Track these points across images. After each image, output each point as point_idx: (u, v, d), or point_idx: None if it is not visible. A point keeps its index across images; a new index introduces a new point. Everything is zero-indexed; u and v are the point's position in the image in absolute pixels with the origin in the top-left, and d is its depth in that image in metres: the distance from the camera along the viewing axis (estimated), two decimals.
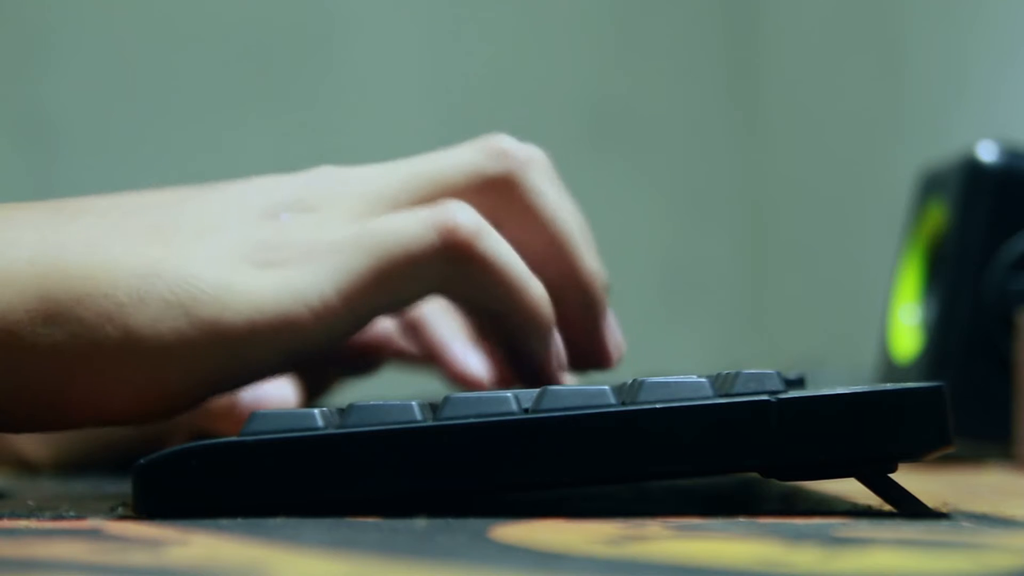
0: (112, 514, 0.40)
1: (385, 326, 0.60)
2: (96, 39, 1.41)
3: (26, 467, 0.64)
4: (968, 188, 0.66)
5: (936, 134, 1.31)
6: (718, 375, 0.39)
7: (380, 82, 1.47)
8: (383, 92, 1.48)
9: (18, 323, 0.41)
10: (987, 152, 0.66)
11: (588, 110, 1.55)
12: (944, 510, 0.40)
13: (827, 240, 1.49)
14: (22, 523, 0.38)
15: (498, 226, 0.46)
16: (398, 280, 0.44)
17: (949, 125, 1.31)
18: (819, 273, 1.50)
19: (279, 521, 0.37)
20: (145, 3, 1.44)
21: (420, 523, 0.36)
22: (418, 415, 0.38)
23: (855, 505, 0.42)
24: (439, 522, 0.36)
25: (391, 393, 0.44)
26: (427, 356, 0.62)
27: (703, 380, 0.38)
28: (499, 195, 0.48)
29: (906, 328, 0.69)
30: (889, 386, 0.38)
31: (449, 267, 0.45)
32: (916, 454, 0.38)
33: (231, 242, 0.44)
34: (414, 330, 0.62)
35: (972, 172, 0.66)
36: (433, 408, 0.39)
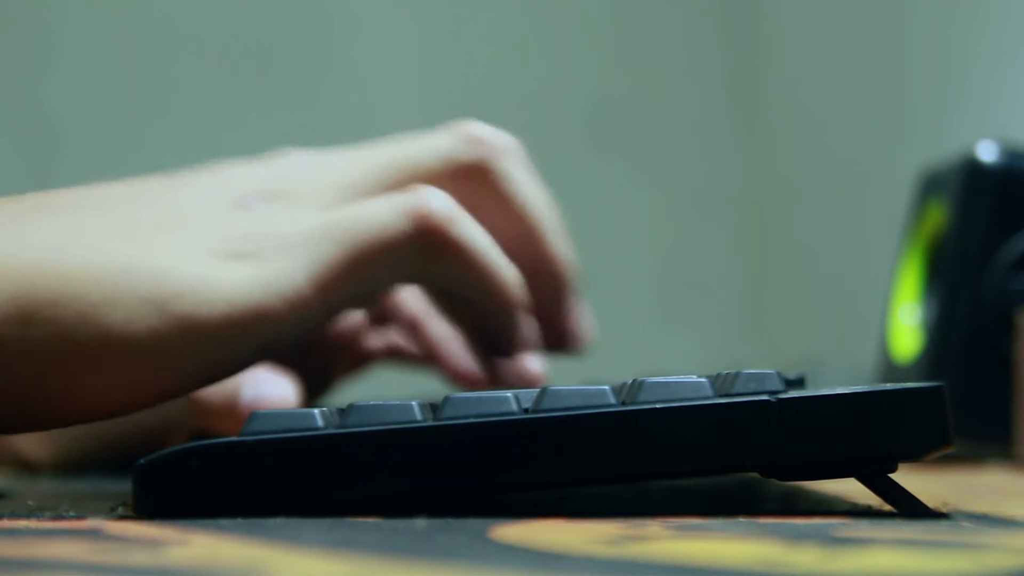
0: (112, 514, 0.39)
1: (353, 322, 0.60)
2: (96, 39, 1.41)
3: (26, 467, 0.64)
4: (968, 188, 0.66)
5: (936, 134, 1.31)
6: (718, 375, 0.39)
7: (380, 82, 1.47)
8: (383, 92, 1.47)
9: None
10: (987, 152, 0.66)
11: (588, 110, 1.55)
12: (944, 510, 0.40)
13: (827, 240, 1.49)
14: (22, 523, 0.38)
15: (471, 212, 0.46)
16: (372, 269, 0.44)
17: (949, 125, 1.31)
18: (819, 273, 1.51)
19: (279, 521, 0.37)
20: (145, 3, 1.44)
21: (420, 523, 0.36)
22: (418, 415, 0.38)
23: (855, 505, 0.42)
24: (439, 522, 0.36)
25: (391, 393, 0.44)
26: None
27: (703, 380, 0.38)
28: (472, 181, 0.48)
29: (906, 328, 0.69)
30: (889, 386, 0.38)
31: (422, 254, 0.45)
32: (916, 454, 0.38)
33: (203, 235, 0.43)
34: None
35: (972, 172, 0.66)
36: (433, 408, 0.39)
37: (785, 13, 1.55)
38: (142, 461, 0.39)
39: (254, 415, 0.39)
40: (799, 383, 0.47)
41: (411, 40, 1.49)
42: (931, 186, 0.69)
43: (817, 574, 0.29)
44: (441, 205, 0.45)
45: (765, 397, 0.38)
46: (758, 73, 1.57)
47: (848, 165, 1.46)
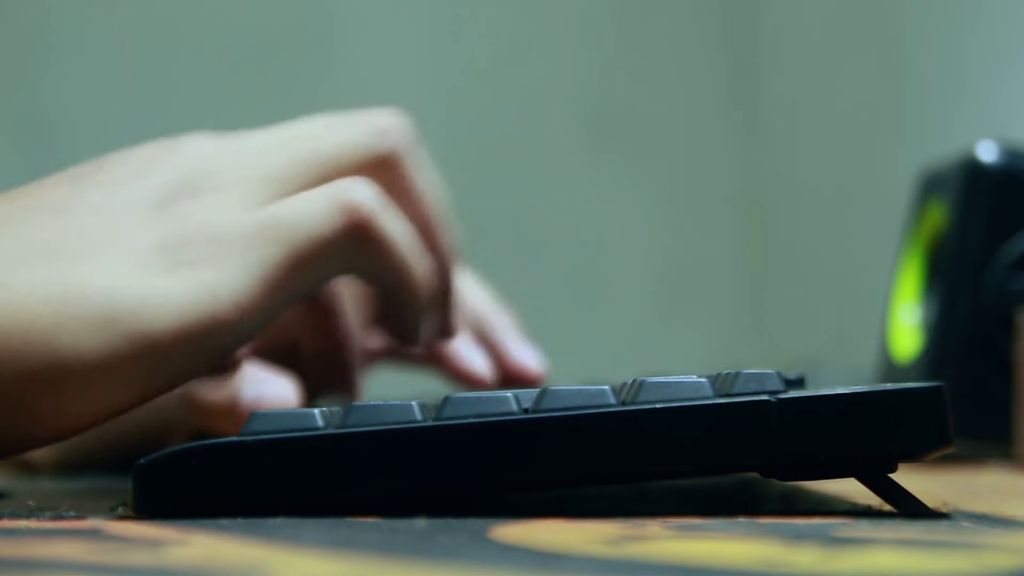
0: (112, 514, 0.40)
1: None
2: (96, 39, 1.41)
3: (26, 467, 0.64)
4: (968, 188, 0.66)
5: (936, 134, 1.31)
6: (718, 375, 0.39)
7: (380, 82, 1.47)
8: (383, 92, 1.47)
9: None
10: (987, 152, 0.66)
11: (588, 110, 1.55)
12: (944, 510, 0.40)
13: (827, 240, 1.49)
14: (22, 523, 0.38)
15: None
16: (312, 266, 0.44)
17: (949, 125, 1.31)
18: (819, 273, 1.50)
19: (279, 521, 0.37)
20: (145, 3, 1.44)
21: (420, 523, 0.36)
22: (418, 415, 0.38)
23: (855, 505, 0.42)
24: (439, 522, 0.36)
25: (391, 393, 0.44)
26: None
27: (703, 380, 0.38)
28: (384, 173, 0.48)
29: (906, 328, 0.69)
30: (889, 386, 0.38)
31: (353, 246, 0.45)
32: (916, 454, 0.38)
33: (135, 246, 0.43)
34: None
35: (972, 172, 0.66)
36: (433, 408, 0.39)
37: (785, 13, 1.55)
38: (142, 461, 0.39)
39: (254, 415, 0.39)
40: (799, 383, 0.47)
41: (411, 40, 1.49)
42: (931, 186, 0.69)
43: (817, 574, 0.29)
44: (368, 197, 0.45)
45: (765, 397, 0.38)
46: (758, 73, 1.57)
47: (848, 165, 1.46)
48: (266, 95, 1.44)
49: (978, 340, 0.65)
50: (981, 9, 1.30)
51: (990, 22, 1.29)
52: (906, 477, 0.39)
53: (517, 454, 0.38)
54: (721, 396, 0.38)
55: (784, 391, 0.38)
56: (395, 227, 0.46)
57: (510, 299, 0.66)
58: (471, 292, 0.63)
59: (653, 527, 0.36)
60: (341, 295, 0.56)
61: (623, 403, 0.38)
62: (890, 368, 0.70)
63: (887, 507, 0.39)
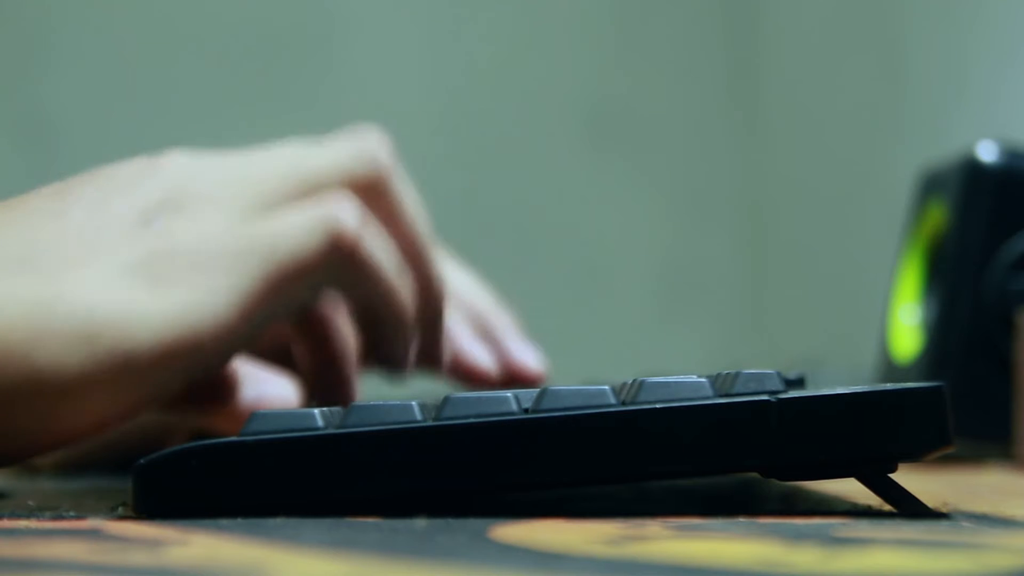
0: (112, 514, 0.39)
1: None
2: (96, 39, 1.41)
3: (26, 467, 0.64)
4: (968, 188, 0.66)
5: (936, 134, 1.31)
6: (718, 375, 0.39)
7: (380, 82, 1.47)
8: (383, 92, 1.47)
9: None
10: (987, 152, 0.66)
11: (588, 110, 1.55)
12: (944, 510, 0.40)
13: (827, 240, 1.49)
14: (22, 523, 0.38)
15: None
16: (292, 286, 0.44)
17: (949, 125, 1.31)
18: (819, 273, 1.50)
19: (279, 521, 0.37)
20: (145, 3, 1.44)
21: (420, 523, 0.36)
22: (418, 415, 0.38)
23: (855, 505, 0.42)
24: (439, 522, 0.36)
25: (391, 393, 0.44)
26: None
27: (703, 380, 0.38)
28: (369, 194, 0.48)
29: (906, 328, 0.69)
30: (889, 386, 0.38)
31: (337, 266, 0.45)
32: (916, 454, 0.38)
33: (116, 262, 0.42)
34: None
35: (972, 172, 0.66)
36: (433, 408, 0.39)
37: (785, 13, 1.55)
38: (142, 461, 0.39)
39: (254, 415, 0.39)
40: (799, 383, 0.47)
41: (411, 40, 1.49)
42: (931, 186, 0.69)
43: (817, 574, 0.29)
44: (353, 218, 0.45)
45: (765, 397, 0.38)
46: (758, 73, 1.57)
47: (848, 165, 1.46)
48: (266, 95, 1.44)
49: (978, 340, 0.65)
50: (981, 9, 1.30)
51: (990, 22, 1.29)
52: (906, 477, 0.39)
53: (517, 454, 0.38)
54: (721, 396, 0.38)
55: (784, 391, 0.38)
56: (379, 248, 0.46)
57: (510, 299, 0.66)
58: (471, 291, 0.63)
59: (653, 527, 0.36)
60: (337, 308, 0.56)
61: (623, 403, 0.38)
62: (890, 368, 0.70)
63: (887, 507, 0.39)
